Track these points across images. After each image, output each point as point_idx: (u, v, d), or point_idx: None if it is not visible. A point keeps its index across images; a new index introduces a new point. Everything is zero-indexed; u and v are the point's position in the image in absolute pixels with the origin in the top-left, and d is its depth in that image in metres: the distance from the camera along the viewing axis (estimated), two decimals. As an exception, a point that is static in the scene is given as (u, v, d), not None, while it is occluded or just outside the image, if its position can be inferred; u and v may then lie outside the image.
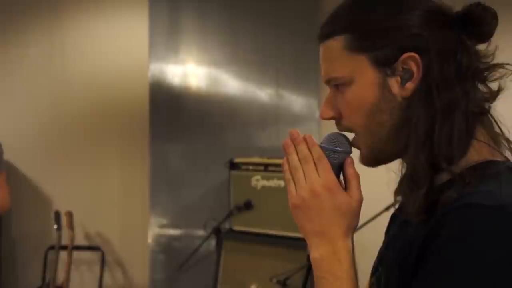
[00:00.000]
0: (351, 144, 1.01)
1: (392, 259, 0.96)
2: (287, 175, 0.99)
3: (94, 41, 4.14)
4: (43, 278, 3.94)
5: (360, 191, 0.98)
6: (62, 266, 3.77)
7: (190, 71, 3.85)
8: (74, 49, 4.15)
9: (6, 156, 3.46)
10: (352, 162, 1.00)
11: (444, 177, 0.91)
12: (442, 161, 0.90)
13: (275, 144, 3.49)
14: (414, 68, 0.92)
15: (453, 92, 0.91)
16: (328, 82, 1.00)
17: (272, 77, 3.84)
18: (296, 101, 3.81)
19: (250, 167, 3.36)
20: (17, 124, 4.15)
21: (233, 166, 3.42)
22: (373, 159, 1.00)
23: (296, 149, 1.00)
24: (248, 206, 3.32)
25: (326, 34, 0.98)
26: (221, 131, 3.82)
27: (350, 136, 1.01)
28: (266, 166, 3.28)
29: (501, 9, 0.96)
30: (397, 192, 1.00)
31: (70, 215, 3.76)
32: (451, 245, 0.81)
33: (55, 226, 3.79)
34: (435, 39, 0.91)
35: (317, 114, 3.65)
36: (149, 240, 3.78)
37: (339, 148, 1.00)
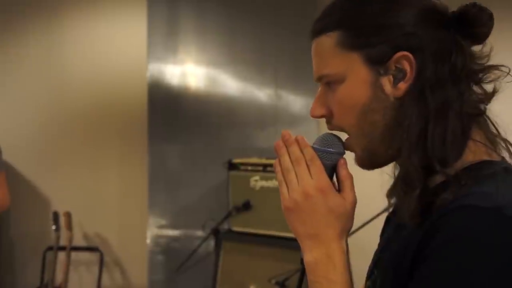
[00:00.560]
0: (345, 146, 0.99)
1: (387, 262, 0.94)
2: (279, 176, 0.98)
3: (92, 41, 4.14)
4: (42, 279, 3.93)
5: (354, 193, 0.97)
6: (60, 266, 3.76)
7: (189, 71, 3.84)
8: (72, 49, 4.15)
9: (5, 156, 3.46)
10: (345, 163, 0.98)
11: (438, 178, 0.90)
12: (435, 162, 0.88)
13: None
14: (407, 67, 0.90)
15: (447, 92, 0.89)
16: (319, 79, 0.98)
17: (270, 77, 3.83)
18: (295, 102, 3.80)
19: (249, 168, 3.35)
20: (16, 124, 4.14)
21: (232, 166, 3.41)
22: (368, 162, 0.98)
23: (288, 151, 0.98)
24: (246, 206, 3.31)
25: (318, 30, 0.97)
26: (220, 131, 3.82)
27: (343, 136, 0.99)
28: (264, 166, 3.27)
29: (497, 10, 0.94)
30: (389, 194, 0.98)
31: (68, 215, 3.76)
32: (447, 247, 0.80)
33: (53, 227, 3.78)
34: (430, 39, 0.90)
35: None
36: (148, 241, 3.77)
37: (331, 149, 0.98)
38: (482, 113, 0.94)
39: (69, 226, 3.74)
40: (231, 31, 3.84)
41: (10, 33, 4.17)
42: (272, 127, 3.76)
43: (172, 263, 3.66)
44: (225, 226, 3.40)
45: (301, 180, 0.95)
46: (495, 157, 0.92)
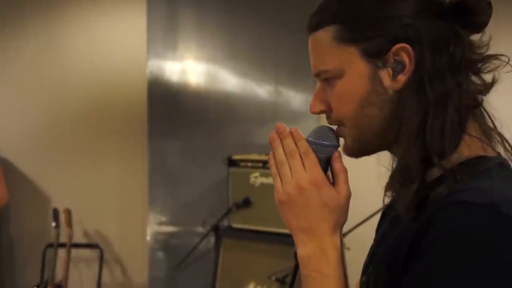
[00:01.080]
0: (337, 134, 0.98)
1: (382, 256, 0.93)
2: (273, 170, 0.97)
3: (92, 38, 4.13)
4: (42, 276, 3.93)
5: (348, 186, 0.96)
6: (60, 264, 3.76)
7: (188, 67, 3.83)
8: (72, 45, 4.14)
9: (4, 153, 3.46)
10: (340, 157, 0.97)
11: (435, 172, 0.89)
12: (433, 155, 0.87)
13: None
14: (406, 59, 0.89)
15: (446, 84, 0.88)
16: (317, 75, 0.97)
17: (270, 74, 3.83)
18: (295, 98, 3.80)
19: (249, 164, 3.35)
20: (15, 121, 4.13)
21: (232, 163, 3.41)
22: (357, 150, 0.97)
23: (282, 143, 0.97)
24: (246, 203, 3.31)
25: (315, 25, 0.95)
26: (220, 128, 3.81)
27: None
28: (264, 163, 3.27)
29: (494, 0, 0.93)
30: (387, 187, 0.98)
31: (68, 212, 3.75)
32: (441, 242, 0.79)
33: (53, 224, 3.78)
34: (428, 30, 0.89)
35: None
36: (148, 238, 3.77)
37: (326, 142, 0.97)
38: (479, 104, 0.92)
39: (69, 223, 3.74)
40: (231, 27, 3.83)
41: (9, 28, 4.16)
42: (272, 123, 3.74)
43: (172, 259, 3.67)
44: (225, 222, 3.40)
45: (295, 174, 0.94)
46: (490, 152, 0.91)
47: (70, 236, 3.74)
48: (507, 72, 0.92)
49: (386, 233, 0.98)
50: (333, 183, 0.96)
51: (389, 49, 0.90)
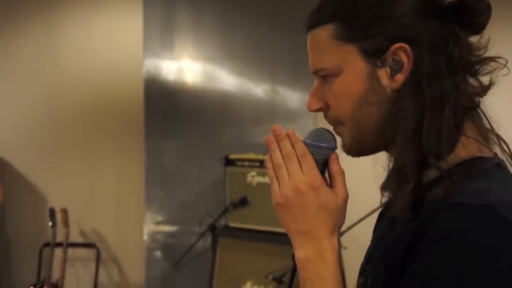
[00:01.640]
0: (335, 133, 0.98)
1: (379, 258, 0.93)
2: (271, 172, 0.97)
3: (88, 37, 4.12)
4: (38, 276, 3.92)
5: (346, 188, 0.95)
6: (57, 263, 3.76)
7: (185, 67, 3.83)
8: (68, 44, 4.13)
9: (0, 152, 3.45)
10: (337, 158, 0.97)
11: (432, 173, 0.89)
12: (430, 156, 0.87)
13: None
14: (404, 59, 0.89)
15: (444, 85, 0.88)
16: (315, 73, 0.97)
17: (267, 73, 3.82)
18: (292, 97, 3.79)
19: (246, 163, 3.35)
20: (11, 120, 4.13)
21: (229, 162, 3.41)
22: (355, 150, 0.97)
23: (279, 146, 0.97)
24: (243, 202, 3.31)
25: (314, 23, 0.95)
26: (216, 127, 3.81)
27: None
28: (261, 162, 3.26)
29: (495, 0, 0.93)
30: (383, 188, 0.97)
31: (65, 212, 3.75)
32: (438, 246, 0.79)
33: (50, 223, 3.78)
34: (427, 30, 0.89)
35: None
36: (145, 237, 3.77)
37: (323, 144, 0.96)
38: (476, 106, 0.92)
39: (66, 223, 3.74)
40: (228, 26, 3.82)
41: (5, 28, 4.15)
42: (269, 122, 3.75)
43: (169, 259, 3.66)
44: (222, 222, 3.40)
45: (292, 176, 0.94)
46: (487, 153, 0.91)
47: (67, 236, 3.74)
48: (504, 75, 0.91)
49: (384, 234, 0.98)
50: (331, 185, 0.96)
51: (388, 48, 0.90)
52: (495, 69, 0.92)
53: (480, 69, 0.92)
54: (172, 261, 3.61)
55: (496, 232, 0.78)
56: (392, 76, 0.90)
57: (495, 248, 0.77)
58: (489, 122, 0.93)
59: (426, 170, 0.89)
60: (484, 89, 0.92)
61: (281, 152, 0.96)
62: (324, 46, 0.93)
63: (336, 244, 0.94)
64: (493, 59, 0.92)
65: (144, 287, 3.82)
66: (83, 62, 4.11)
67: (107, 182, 4.14)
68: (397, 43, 0.89)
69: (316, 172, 0.94)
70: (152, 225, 3.76)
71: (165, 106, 3.82)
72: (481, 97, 0.93)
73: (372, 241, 1.06)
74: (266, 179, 3.22)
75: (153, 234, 3.77)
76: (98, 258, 3.98)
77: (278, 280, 2.92)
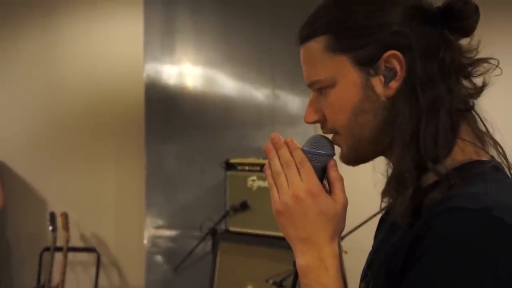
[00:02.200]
0: (333, 143, 0.99)
1: (380, 263, 0.93)
2: (270, 180, 0.98)
3: (89, 41, 4.13)
4: (38, 280, 3.92)
5: (345, 194, 0.96)
6: (57, 267, 3.75)
7: (186, 71, 3.83)
8: (68, 49, 4.14)
9: (0, 156, 3.46)
10: (335, 165, 0.98)
11: (430, 178, 0.89)
12: (428, 161, 0.88)
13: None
14: (397, 66, 0.90)
15: (437, 89, 0.89)
16: (310, 85, 0.98)
17: (268, 77, 3.83)
18: (292, 102, 3.79)
19: (246, 168, 3.35)
20: (12, 124, 4.13)
21: (229, 166, 3.40)
22: (353, 158, 0.98)
23: (278, 153, 0.98)
24: (244, 206, 3.30)
25: (305, 36, 0.97)
26: (217, 132, 3.81)
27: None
28: (262, 166, 3.26)
29: (484, 4, 0.94)
30: (384, 194, 0.98)
31: (65, 216, 3.75)
32: (436, 251, 0.79)
33: (50, 227, 3.78)
34: (417, 36, 0.90)
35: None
36: (145, 241, 3.76)
37: (321, 151, 0.97)
38: (471, 108, 0.93)
39: (66, 227, 3.74)
40: (228, 30, 3.83)
41: (5, 32, 4.16)
42: (269, 127, 3.75)
43: (170, 263, 3.66)
44: (222, 226, 3.40)
45: (291, 183, 0.94)
46: (484, 156, 0.92)
47: (67, 240, 3.73)
48: (497, 75, 0.92)
49: (384, 240, 0.99)
50: (330, 192, 0.97)
51: (380, 57, 0.91)
52: (487, 70, 0.92)
53: (473, 71, 0.93)
54: (172, 265, 3.61)
55: (493, 236, 0.78)
56: (386, 83, 0.91)
57: (492, 252, 0.77)
58: (484, 124, 0.94)
59: (424, 175, 0.89)
60: (478, 91, 0.93)
61: (279, 160, 0.97)
62: (317, 59, 0.95)
63: (337, 250, 0.95)
64: (485, 60, 0.92)
65: (144, 291, 3.82)
66: (84, 66, 4.12)
67: (108, 186, 4.14)
68: (389, 51, 0.90)
69: (314, 179, 0.94)
70: (152, 229, 3.76)
71: (166, 110, 3.82)
72: (475, 98, 0.94)
73: (373, 246, 1.06)
74: (266, 184, 3.20)
75: (154, 238, 3.76)
76: (98, 263, 3.98)
77: (279, 285, 2.91)
